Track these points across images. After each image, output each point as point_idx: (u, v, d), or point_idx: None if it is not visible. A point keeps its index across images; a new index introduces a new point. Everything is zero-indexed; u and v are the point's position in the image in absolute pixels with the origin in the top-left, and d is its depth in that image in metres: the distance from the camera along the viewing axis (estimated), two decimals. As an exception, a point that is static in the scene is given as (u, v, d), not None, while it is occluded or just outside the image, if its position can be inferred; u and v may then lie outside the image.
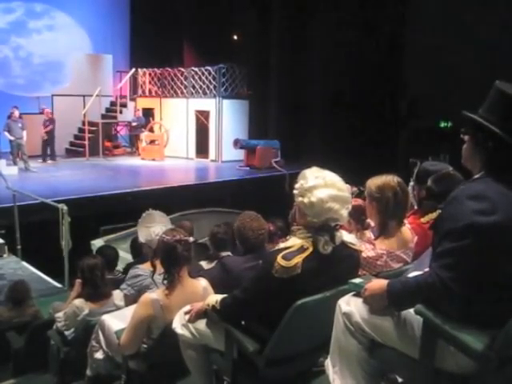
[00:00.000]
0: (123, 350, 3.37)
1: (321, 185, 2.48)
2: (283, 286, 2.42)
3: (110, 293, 4.28)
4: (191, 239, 3.40)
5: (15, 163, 15.19)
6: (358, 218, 3.57)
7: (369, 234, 3.26)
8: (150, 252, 4.24)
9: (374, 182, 3.12)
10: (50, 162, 16.42)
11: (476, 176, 2.18)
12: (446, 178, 3.41)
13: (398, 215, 3.10)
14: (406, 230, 3.14)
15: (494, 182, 2.09)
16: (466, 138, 2.24)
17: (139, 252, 4.85)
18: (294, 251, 2.44)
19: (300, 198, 2.52)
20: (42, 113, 16.68)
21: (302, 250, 2.45)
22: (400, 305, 2.22)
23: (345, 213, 2.50)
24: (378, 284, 2.26)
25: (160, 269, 3.55)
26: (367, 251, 2.97)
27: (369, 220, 3.47)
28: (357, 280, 2.41)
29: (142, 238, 4.37)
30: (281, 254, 2.43)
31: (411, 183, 3.66)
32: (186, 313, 2.94)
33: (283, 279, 2.40)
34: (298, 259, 2.41)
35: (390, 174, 3.18)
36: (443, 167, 3.59)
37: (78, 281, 4.59)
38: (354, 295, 2.39)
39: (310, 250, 2.45)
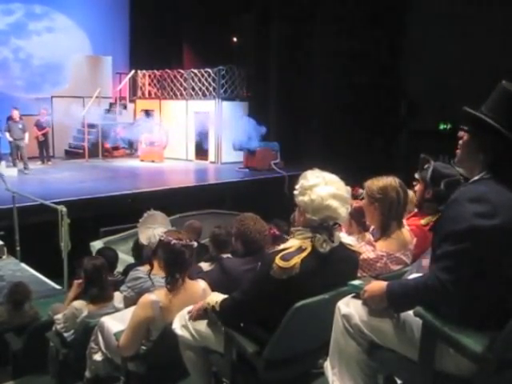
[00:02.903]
0: (122, 351, 3.37)
1: (321, 183, 2.51)
2: (282, 287, 2.42)
3: (112, 295, 4.26)
4: (195, 244, 3.40)
5: (14, 165, 15.19)
6: (359, 220, 3.57)
7: (368, 235, 3.26)
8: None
9: (375, 184, 3.11)
10: (49, 163, 16.43)
11: (476, 177, 2.16)
12: (457, 185, 3.38)
13: (399, 216, 3.10)
14: (406, 231, 3.13)
15: (495, 183, 2.08)
16: (466, 137, 2.22)
17: (141, 253, 4.83)
18: (292, 252, 2.45)
19: (300, 197, 2.54)
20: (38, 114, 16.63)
21: (300, 250, 2.45)
22: (399, 307, 2.22)
23: (343, 212, 2.51)
24: (378, 286, 2.26)
25: (157, 268, 3.55)
26: (367, 253, 2.97)
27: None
28: (356, 282, 2.41)
29: (143, 240, 4.34)
30: (279, 255, 2.43)
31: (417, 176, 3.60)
32: (189, 312, 2.95)
33: (282, 280, 2.40)
34: (297, 260, 2.41)
35: (389, 175, 3.18)
36: (455, 172, 3.54)
37: (77, 282, 4.58)
38: (354, 297, 2.39)
39: (309, 250, 2.45)
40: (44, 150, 16.51)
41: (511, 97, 2.11)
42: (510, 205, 2.03)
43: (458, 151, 2.26)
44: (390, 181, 3.10)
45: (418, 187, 3.58)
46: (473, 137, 2.18)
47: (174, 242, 3.25)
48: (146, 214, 4.40)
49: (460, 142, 2.25)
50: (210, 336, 2.83)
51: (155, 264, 3.63)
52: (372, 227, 3.33)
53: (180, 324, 2.96)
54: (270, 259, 2.46)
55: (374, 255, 2.93)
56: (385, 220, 3.07)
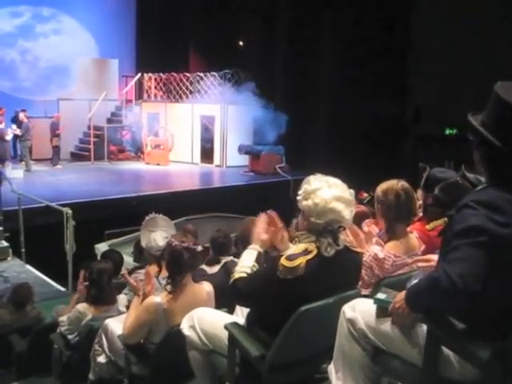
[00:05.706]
0: (126, 339, 3.41)
1: (324, 186, 2.52)
2: (287, 288, 2.42)
3: (114, 299, 4.25)
4: (199, 248, 3.40)
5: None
6: (359, 225, 3.57)
7: (375, 238, 3.26)
8: (149, 257, 4.24)
9: (381, 186, 3.16)
10: (59, 166, 16.27)
11: (484, 185, 2.14)
12: (454, 187, 3.39)
13: (404, 220, 3.09)
14: (414, 237, 3.15)
15: (497, 190, 2.05)
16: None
17: (142, 256, 4.83)
18: (297, 253, 2.47)
19: (304, 202, 2.54)
20: (52, 117, 16.75)
21: (305, 252, 2.47)
22: (415, 306, 2.15)
23: (348, 215, 2.51)
24: (402, 296, 2.21)
25: (165, 271, 3.56)
26: (378, 252, 2.97)
27: (372, 227, 3.47)
28: (381, 295, 2.33)
29: (143, 243, 4.35)
30: (284, 256, 2.46)
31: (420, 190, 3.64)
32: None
33: (287, 280, 2.41)
34: (302, 260, 2.42)
35: (397, 179, 3.19)
36: (452, 175, 3.56)
37: (80, 284, 4.57)
38: (379, 315, 2.31)
39: (314, 252, 2.46)
40: (56, 153, 16.40)
41: (500, 101, 2.06)
42: None
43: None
44: (392, 184, 3.12)
45: (419, 194, 3.61)
46: (475, 147, 2.18)
47: (175, 243, 3.27)
48: (147, 218, 4.41)
49: None
50: (216, 338, 2.83)
51: (163, 266, 3.64)
52: (377, 230, 3.34)
53: (188, 324, 2.96)
54: (275, 260, 2.48)
55: (383, 255, 2.95)
56: (388, 221, 3.10)
